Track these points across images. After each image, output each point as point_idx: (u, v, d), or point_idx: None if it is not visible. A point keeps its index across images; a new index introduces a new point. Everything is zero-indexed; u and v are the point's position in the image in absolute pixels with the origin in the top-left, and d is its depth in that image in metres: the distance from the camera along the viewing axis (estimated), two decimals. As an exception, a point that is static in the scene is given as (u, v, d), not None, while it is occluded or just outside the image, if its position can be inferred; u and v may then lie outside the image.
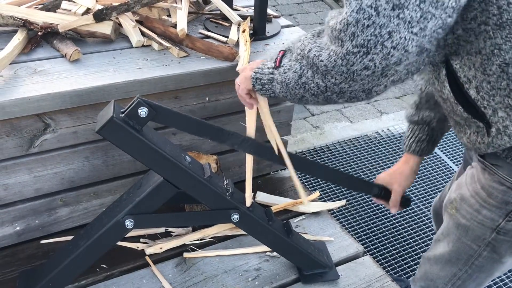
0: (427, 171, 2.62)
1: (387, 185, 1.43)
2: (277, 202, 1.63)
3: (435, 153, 2.76)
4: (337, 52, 0.84)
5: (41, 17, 1.40)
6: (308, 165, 1.35)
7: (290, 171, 1.25)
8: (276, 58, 1.03)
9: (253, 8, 1.60)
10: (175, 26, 1.49)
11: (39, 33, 1.39)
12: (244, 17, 1.63)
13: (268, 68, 1.06)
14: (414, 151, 1.37)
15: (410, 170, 1.40)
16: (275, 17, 1.76)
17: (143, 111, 1.05)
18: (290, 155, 1.26)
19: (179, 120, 1.13)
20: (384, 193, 1.43)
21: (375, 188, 1.43)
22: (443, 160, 2.72)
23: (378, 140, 2.84)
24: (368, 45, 0.80)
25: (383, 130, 2.93)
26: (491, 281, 2.01)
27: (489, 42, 0.87)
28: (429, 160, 2.70)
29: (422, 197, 2.44)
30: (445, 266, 1.25)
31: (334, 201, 2.01)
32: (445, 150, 2.80)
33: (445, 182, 2.54)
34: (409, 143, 1.37)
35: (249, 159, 1.24)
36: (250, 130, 1.22)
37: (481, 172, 1.12)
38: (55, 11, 1.47)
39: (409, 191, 2.48)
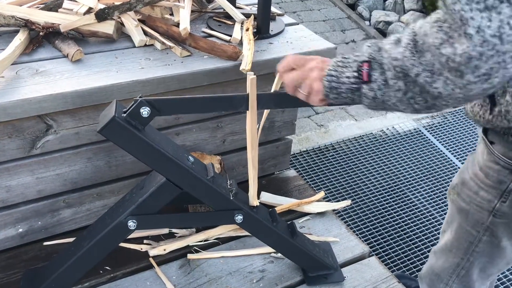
0: (431, 168, 2.60)
1: None
2: (282, 203, 1.61)
3: (439, 149, 2.74)
4: (456, 82, 0.81)
5: (42, 17, 1.39)
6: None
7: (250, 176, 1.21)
8: (361, 71, 0.94)
9: (256, 6, 1.59)
10: (178, 25, 1.48)
11: (41, 33, 1.38)
12: (247, 16, 1.62)
13: (347, 77, 0.96)
14: None
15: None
16: (279, 15, 1.75)
17: (145, 111, 1.04)
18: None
19: (183, 105, 1.10)
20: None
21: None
22: (447, 157, 2.69)
23: (383, 138, 2.82)
24: (491, 73, 0.78)
25: (388, 128, 2.91)
26: (497, 281, 1.99)
27: None
28: (433, 157, 2.68)
29: (427, 195, 2.42)
30: (448, 258, 1.26)
31: (339, 201, 2.00)
32: (449, 147, 2.78)
33: (449, 179, 2.52)
34: None
35: (252, 155, 1.20)
36: (251, 126, 1.14)
37: (481, 153, 1.15)
38: (56, 11, 1.46)
39: (413, 189, 2.46)
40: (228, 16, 1.63)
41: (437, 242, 2.13)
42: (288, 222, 1.34)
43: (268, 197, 1.63)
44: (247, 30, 1.51)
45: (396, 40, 0.90)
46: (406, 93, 0.89)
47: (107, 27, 1.41)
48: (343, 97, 0.98)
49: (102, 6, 1.42)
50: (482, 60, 0.76)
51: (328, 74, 0.99)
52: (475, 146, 2.79)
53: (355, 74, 0.95)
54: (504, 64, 0.77)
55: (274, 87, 1.16)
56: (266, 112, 1.22)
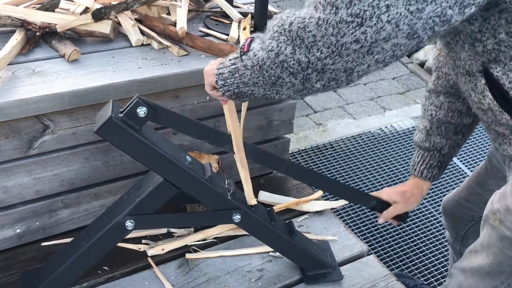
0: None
1: (391, 201, 1.38)
2: (280, 201, 1.61)
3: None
4: (329, 20, 0.80)
5: (39, 17, 1.39)
6: (304, 173, 1.32)
7: (241, 173, 1.21)
8: (243, 45, 0.95)
9: (253, 5, 1.58)
10: (174, 24, 1.48)
11: (38, 33, 1.37)
12: (244, 14, 1.62)
13: (230, 60, 0.99)
14: (426, 177, 1.33)
15: (421, 195, 1.37)
16: (276, 13, 1.74)
17: (142, 111, 1.04)
18: (284, 162, 1.24)
19: (178, 121, 1.11)
20: (381, 206, 1.38)
21: (373, 201, 1.37)
22: (453, 161, 2.69)
23: (382, 136, 2.82)
24: (364, 15, 0.77)
25: (386, 127, 2.91)
26: None
27: None
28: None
29: (429, 196, 2.42)
30: (484, 278, 1.19)
31: (337, 199, 1.99)
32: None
33: (451, 181, 2.52)
34: (420, 170, 1.33)
35: (239, 157, 1.19)
36: (233, 127, 1.15)
37: None
38: (53, 11, 1.45)
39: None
40: (225, 15, 1.62)
41: (438, 242, 2.14)
42: (286, 221, 1.34)
43: (266, 196, 1.63)
44: (244, 29, 1.51)
45: None
46: (278, 54, 0.87)
47: (104, 27, 1.41)
48: (229, 83, 0.98)
49: (98, 6, 1.42)
50: None
51: (220, 65, 1.01)
52: (473, 144, 2.80)
53: (235, 55, 0.97)
54: (379, 12, 0.76)
55: None
56: (244, 109, 1.21)
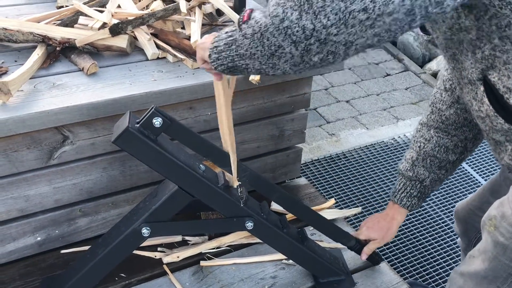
0: (447, 180, 2.59)
1: (371, 239, 1.43)
2: (293, 210, 1.63)
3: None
4: None
5: (59, 33, 1.44)
6: (292, 205, 1.38)
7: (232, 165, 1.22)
8: (242, 16, 0.92)
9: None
10: (189, 38, 1.52)
11: (58, 48, 1.43)
12: (256, 27, 1.65)
13: (226, 32, 0.95)
14: (405, 205, 1.39)
15: (397, 226, 1.42)
16: None
17: (157, 121, 1.08)
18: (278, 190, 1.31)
19: (190, 137, 1.16)
20: (359, 247, 1.44)
21: (352, 241, 1.43)
22: (464, 168, 2.69)
23: (395, 146, 2.83)
24: None
25: (399, 136, 2.91)
26: None
27: None
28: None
29: (440, 203, 2.42)
30: (481, 283, 1.20)
31: (350, 208, 2.01)
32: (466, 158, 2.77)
33: (465, 190, 2.51)
34: (401, 197, 1.39)
35: (230, 141, 1.19)
36: (226, 106, 1.15)
37: None
38: (72, 27, 1.51)
39: (427, 198, 2.45)
40: (238, 28, 1.66)
41: (450, 250, 2.14)
42: (299, 229, 1.36)
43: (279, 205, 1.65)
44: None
45: None
46: (283, 19, 0.83)
47: (121, 41, 1.46)
48: (223, 56, 0.95)
49: (116, 21, 1.47)
50: None
51: (215, 38, 0.98)
52: (485, 152, 2.79)
53: (233, 28, 0.94)
54: None
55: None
56: (233, 85, 1.19)
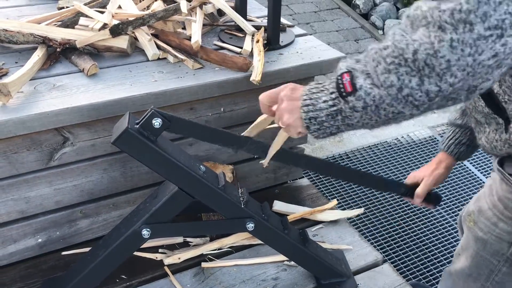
0: (452, 181, 2.58)
1: (417, 180, 1.39)
2: (294, 211, 1.62)
3: (462, 162, 2.72)
4: (465, 39, 0.71)
5: (59, 34, 1.44)
6: (329, 168, 1.33)
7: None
8: (342, 84, 0.84)
9: (267, 18, 1.62)
10: (189, 38, 1.52)
11: (58, 49, 1.42)
12: (258, 28, 1.65)
13: (325, 101, 0.87)
14: (452, 152, 1.35)
15: (445, 169, 1.37)
16: (289, 26, 1.78)
17: (157, 122, 1.07)
18: (312, 160, 1.27)
19: (193, 129, 1.14)
20: (411, 192, 1.39)
21: (401, 187, 1.39)
22: (469, 169, 2.67)
23: (398, 146, 2.82)
24: (503, 25, 0.69)
25: (403, 137, 2.90)
26: None
27: None
28: (454, 170, 2.65)
29: (446, 205, 2.41)
30: (468, 282, 1.20)
31: (353, 209, 2.00)
32: (471, 159, 2.75)
33: (470, 191, 2.50)
34: (448, 144, 1.35)
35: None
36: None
37: (499, 183, 1.09)
38: (73, 28, 1.51)
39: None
40: (239, 29, 1.66)
41: (454, 251, 2.12)
42: (300, 230, 1.35)
43: (280, 206, 1.65)
44: (257, 41, 1.54)
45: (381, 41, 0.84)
46: (401, 88, 0.78)
47: (121, 42, 1.45)
48: (326, 126, 0.88)
49: (116, 22, 1.47)
50: (491, 6, 0.68)
51: (303, 105, 0.89)
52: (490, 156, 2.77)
53: (333, 96, 0.86)
54: None
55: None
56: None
